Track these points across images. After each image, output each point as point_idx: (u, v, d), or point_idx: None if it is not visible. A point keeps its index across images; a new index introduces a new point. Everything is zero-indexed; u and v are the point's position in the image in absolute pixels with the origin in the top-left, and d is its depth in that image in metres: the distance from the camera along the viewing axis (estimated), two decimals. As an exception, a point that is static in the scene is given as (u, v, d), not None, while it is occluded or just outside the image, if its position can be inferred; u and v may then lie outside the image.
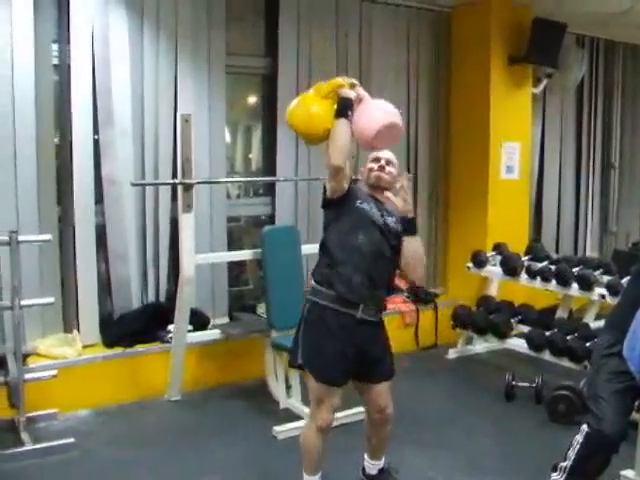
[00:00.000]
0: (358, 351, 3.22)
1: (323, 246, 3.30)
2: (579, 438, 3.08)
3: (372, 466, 3.59)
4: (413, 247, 3.26)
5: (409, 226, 3.28)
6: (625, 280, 4.84)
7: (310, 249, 5.02)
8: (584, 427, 3.08)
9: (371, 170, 3.38)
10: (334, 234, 3.25)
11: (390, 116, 3.19)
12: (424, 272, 3.41)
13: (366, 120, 3.14)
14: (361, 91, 3.27)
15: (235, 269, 5.84)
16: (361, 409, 4.27)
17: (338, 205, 3.25)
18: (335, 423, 4.32)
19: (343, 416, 4.43)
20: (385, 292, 3.36)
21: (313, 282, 3.29)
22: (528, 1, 6.18)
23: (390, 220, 3.28)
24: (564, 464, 3.14)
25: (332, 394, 3.23)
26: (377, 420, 3.45)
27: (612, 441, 3.01)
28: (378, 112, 3.17)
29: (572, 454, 3.10)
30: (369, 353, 3.27)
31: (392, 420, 3.47)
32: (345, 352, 3.18)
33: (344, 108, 3.15)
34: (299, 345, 3.26)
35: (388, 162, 3.38)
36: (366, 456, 3.62)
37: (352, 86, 3.25)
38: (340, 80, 3.24)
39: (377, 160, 3.38)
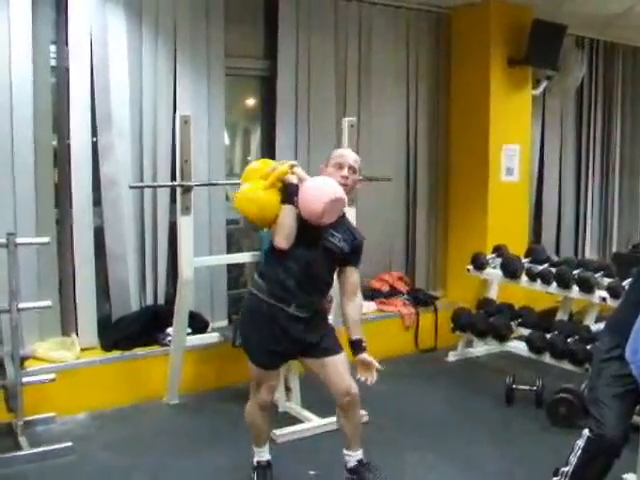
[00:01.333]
0: (292, 338, 3.36)
1: (269, 245, 3.42)
2: (580, 443, 3.06)
3: (350, 458, 3.55)
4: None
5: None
6: (626, 282, 4.83)
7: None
8: (585, 432, 3.06)
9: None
10: None
11: (332, 192, 3.25)
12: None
13: (312, 199, 3.22)
14: (301, 172, 3.38)
15: (234, 272, 5.82)
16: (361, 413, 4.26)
17: None
18: (332, 427, 4.35)
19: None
20: (318, 299, 3.48)
21: (255, 276, 3.46)
22: (528, 2, 6.16)
23: (335, 238, 3.36)
24: (565, 469, 3.12)
25: (268, 376, 3.46)
26: (345, 404, 3.43)
27: (614, 445, 2.98)
28: (322, 190, 3.24)
29: (573, 459, 3.07)
30: (304, 339, 3.39)
31: (359, 403, 3.47)
32: (276, 339, 3.35)
33: (290, 195, 3.29)
34: (237, 329, 3.73)
35: (350, 168, 3.46)
36: (344, 449, 3.58)
37: (291, 167, 3.38)
38: (284, 167, 3.37)
39: (340, 168, 3.45)
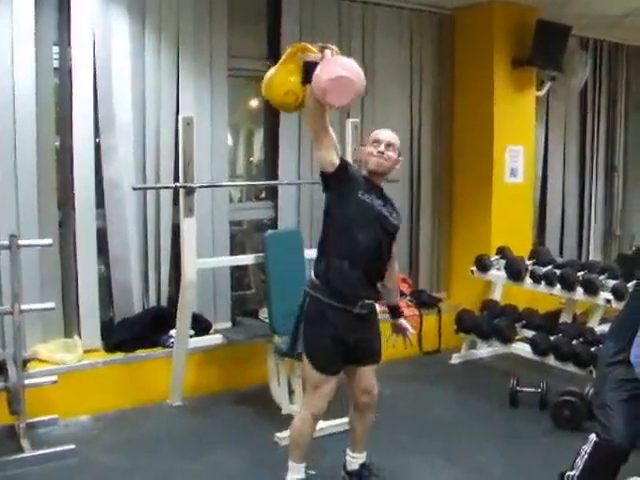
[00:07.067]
0: (354, 340, 3.30)
1: (323, 239, 3.34)
2: (587, 447, 3.03)
3: (354, 460, 3.57)
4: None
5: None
6: (630, 284, 4.81)
7: (313, 253, 4.98)
8: (592, 436, 3.03)
9: (370, 154, 3.32)
10: (335, 227, 3.28)
11: (341, 70, 3.01)
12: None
13: (319, 74, 3.00)
14: (327, 53, 3.10)
15: (237, 273, 5.81)
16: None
17: (339, 192, 3.24)
18: (335, 429, 4.33)
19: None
20: (377, 288, 3.46)
21: (313, 276, 3.34)
22: (532, 3, 6.14)
23: (388, 212, 3.33)
24: (571, 473, 3.10)
25: (328, 382, 3.30)
26: (364, 403, 3.48)
27: (621, 450, 2.96)
28: (332, 66, 3.03)
29: (580, 463, 3.05)
30: (363, 340, 3.35)
31: (375, 405, 3.54)
32: (343, 343, 3.27)
33: (307, 73, 3.06)
34: (298, 336, 3.37)
35: (388, 145, 3.33)
36: (348, 450, 3.61)
37: (321, 50, 3.11)
38: (302, 45, 3.14)
39: (377, 143, 3.32)
